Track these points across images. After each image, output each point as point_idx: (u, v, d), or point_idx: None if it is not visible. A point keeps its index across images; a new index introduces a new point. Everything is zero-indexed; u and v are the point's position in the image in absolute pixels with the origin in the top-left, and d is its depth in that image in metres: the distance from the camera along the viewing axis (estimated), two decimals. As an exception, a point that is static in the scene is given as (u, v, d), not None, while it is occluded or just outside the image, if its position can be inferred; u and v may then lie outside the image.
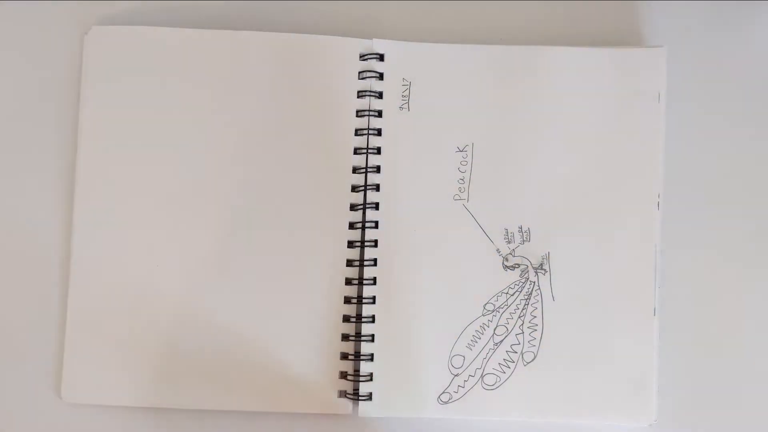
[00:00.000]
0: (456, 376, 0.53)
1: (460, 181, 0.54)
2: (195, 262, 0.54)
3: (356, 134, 0.55)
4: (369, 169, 0.54)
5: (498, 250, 0.54)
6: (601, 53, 0.55)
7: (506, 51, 0.55)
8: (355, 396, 0.53)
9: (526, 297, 0.54)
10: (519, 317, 0.54)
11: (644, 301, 0.53)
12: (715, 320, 0.56)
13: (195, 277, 0.54)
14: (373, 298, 0.54)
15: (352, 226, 0.54)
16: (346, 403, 0.53)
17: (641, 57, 0.54)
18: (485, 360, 0.53)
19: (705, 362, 0.55)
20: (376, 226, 0.54)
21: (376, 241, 0.54)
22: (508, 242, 0.54)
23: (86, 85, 0.55)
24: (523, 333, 0.54)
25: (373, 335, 0.53)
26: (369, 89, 0.55)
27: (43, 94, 0.56)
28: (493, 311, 0.54)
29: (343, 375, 0.54)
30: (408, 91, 0.55)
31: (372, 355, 0.53)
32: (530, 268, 0.54)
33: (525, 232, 0.54)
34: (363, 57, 0.55)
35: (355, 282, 0.54)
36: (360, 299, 0.54)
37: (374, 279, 0.54)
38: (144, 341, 0.54)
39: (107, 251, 0.54)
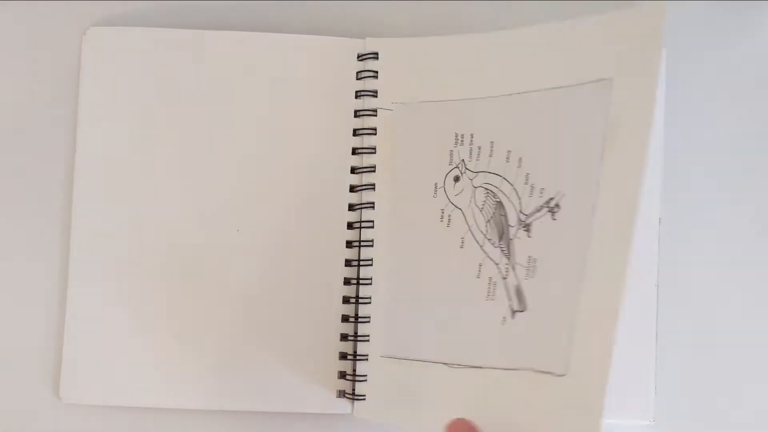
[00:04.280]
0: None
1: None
2: (192, 264, 0.54)
3: (354, 134, 0.55)
4: (366, 169, 0.54)
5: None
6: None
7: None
8: (354, 396, 0.53)
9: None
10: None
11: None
12: (714, 320, 0.55)
13: (193, 279, 0.54)
14: (371, 298, 0.54)
15: (350, 226, 0.54)
16: (345, 403, 0.53)
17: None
18: None
19: (703, 361, 0.55)
20: (373, 226, 0.54)
21: (373, 241, 0.54)
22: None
23: (85, 85, 0.55)
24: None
25: (369, 335, 0.53)
26: (364, 89, 0.55)
27: (41, 95, 0.56)
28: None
29: (342, 375, 0.53)
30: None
31: (368, 355, 0.53)
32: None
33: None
34: (361, 57, 0.55)
35: (354, 282, 0.54)
36: (358, 299, 0.54)
37: (371, 279, 0.54)
38: (142, 342, 0.54)
39: (105, 251, 0.54)
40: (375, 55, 0.55)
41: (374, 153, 0.54)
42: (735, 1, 0.57)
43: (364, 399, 0.53)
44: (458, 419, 0.46)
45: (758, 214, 0.56)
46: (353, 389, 0.53)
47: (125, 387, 0.54)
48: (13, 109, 0.56)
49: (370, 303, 0.53)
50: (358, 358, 0.53)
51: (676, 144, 0.55)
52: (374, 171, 0.54)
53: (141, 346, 0.54)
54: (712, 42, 0.57)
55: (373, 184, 0.54)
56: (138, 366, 0.54)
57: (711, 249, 0.56)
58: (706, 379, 0.55)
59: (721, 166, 0.56)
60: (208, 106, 0.55)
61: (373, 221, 0.54)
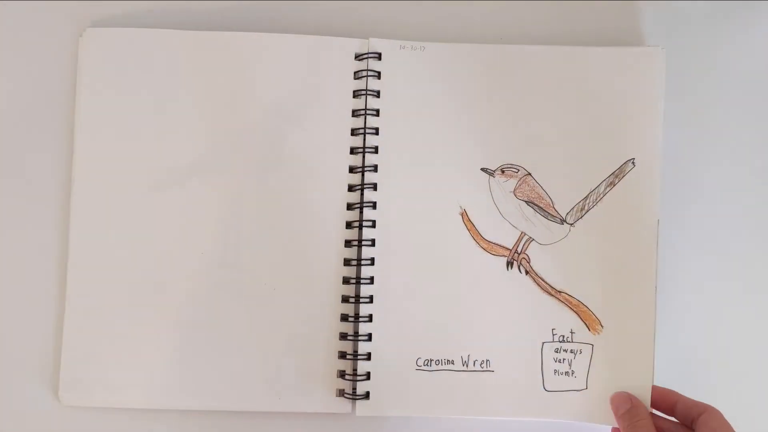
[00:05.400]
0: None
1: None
2: (193, 265, 0.54)
3: (352, 134, 0.55)
4: (366, 168, 0.54)
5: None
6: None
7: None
8: (354, 395, 0.53)
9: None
10: None
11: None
12: (713, 323, 0.56)
13: (193, 280, 0.54)
14: (371, 297, 0.54)
15: (349, 225, 0.54)
16: (345, 402, 0.54)
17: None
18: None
19: (702, 363, 0.56)
20: (374, 226, 0.54)
21: (373, 240, 0.54)
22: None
23: (82, 86, 0.55)
24: None
25: (370, 334, 0.53)
26: (365, 89, 0.55)
27: (39, 95, 0.56)
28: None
29: (341, 374, 0.54)
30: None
31: (369, 354, 0.53)
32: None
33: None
34: (359, 57, 0.55)
35: (353, 281, 0.54)
36: (357, 298, 0.54)
37: (371, 278, 0.54)
38: (142, 343, 0.54)
39: (104, 253, 0.54)
40: (377, 56, 0.55)
41: (376, 153, 0.54)
42: (734, 1, 0.57)
43: (366, 398, 0.53)
44: (619, 392, 0.51)
45: (758, 214, 0.56)
46: (353, 388, 0.53)
47: (124, 389, 0.53)
48: (10, 109, 0.56)
49: (370, 302, 0.54)
50: (358, 357, 0.53)
51: (675, 144, 0.56)
52: (376, 171, 0.54)
53: (140, 349, 0.54)
54: (712, 42, 0.57)
55: (374, 184, 0.54)
56: (137, 368, 0.53)
57: (710, 250, 0.56)
58: (705, 381, 0.55)
59: (720, 165, 0.57)
60: (205, 106, 0.55)
61: (374, 221, 0.54)
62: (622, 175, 0.54)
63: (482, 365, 0.53)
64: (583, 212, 0.54)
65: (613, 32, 0.57)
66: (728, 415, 0.48)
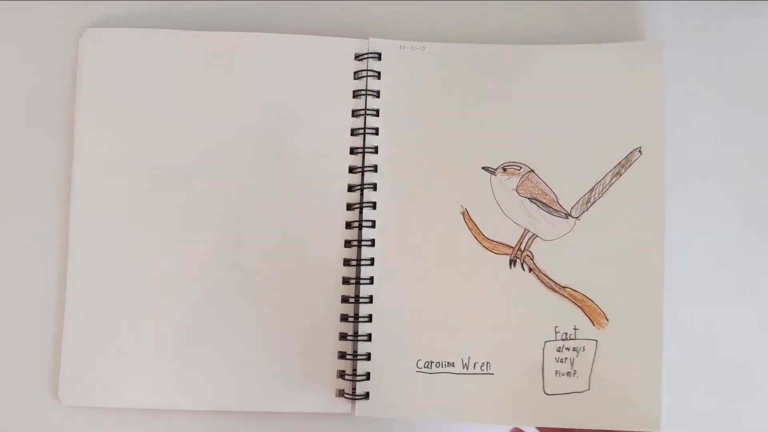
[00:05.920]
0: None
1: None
2: (193, 264, 0.54)
3: (352, 134, 0.55)
4: (366, 168, 0.54)
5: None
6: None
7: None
8: (353, 395, 0.53)
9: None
10: None
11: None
12: (720, 327, 0.55)
13: (193, 280, 0.54)
14: (371, 297, 0.54)
15: (349, 225, 0.54)
16: (345, 403, 0.53)
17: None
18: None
19: (711, 370, 0.55)
20: (374, 226, 0.54)
21: (373, 240, 0.54)
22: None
23: (82, 86, 0.55)
24: None
25: (370, 334, 0.53)
26: (365, 89, 0.55)
27: (38, 96, 0.56)
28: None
29: (341, 374, 0.53)
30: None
31: (369, 354, 0.53)
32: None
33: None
34: (359, 57, 0.55)
35: (353, 281, 0.54)
36: (357, 298, 0.54)
37: (371, 278, 0.54)
38: (142, 343, 0.54)
39: (105, 252, 0.54)
40: (377, 56, 0.55)
41: (376, 153, 0.54)
42: (735, 1, 0.57)
43: (366, 398, 0.53)
44: None
45: (759, 212, 0.56)
46: (353, 388, 0.53)
47: (124, 389, 0.53)
48: (10, 109, 0.56)
49: (370, 302, 0.54)
50: (358, 357, 0.53)
51: (676, 142, 0.56)
52: (376, 171, 0.54)
53: (140, 348, 0.53)
54: (712, 42, 0.57)
55: (374, 184, 0.54)
56: (138, 368, 0.53)
57: (715, 251, 0.56)
58: (713, 386, 0.55)
59: (720, 165, 0.56)
60: (205, 106, 0.55)
61: (374, 221, 0.54)
62: (628, 164, 0.54)
63: (482, 368, 0.53)
64: (589, 205, 0.54)
65: (613, 32, 0.57)
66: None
